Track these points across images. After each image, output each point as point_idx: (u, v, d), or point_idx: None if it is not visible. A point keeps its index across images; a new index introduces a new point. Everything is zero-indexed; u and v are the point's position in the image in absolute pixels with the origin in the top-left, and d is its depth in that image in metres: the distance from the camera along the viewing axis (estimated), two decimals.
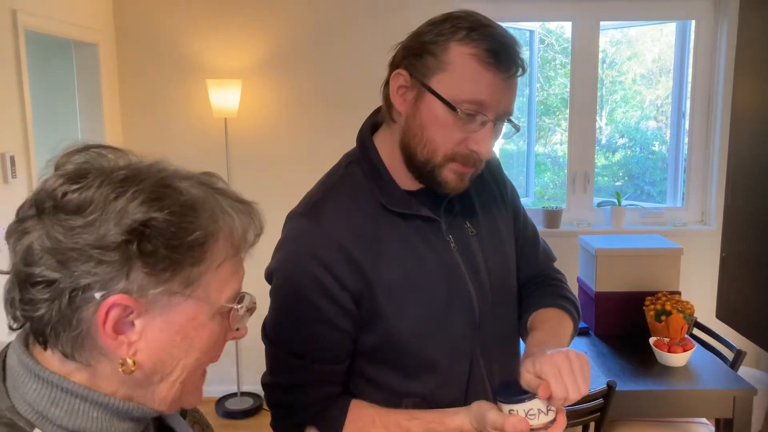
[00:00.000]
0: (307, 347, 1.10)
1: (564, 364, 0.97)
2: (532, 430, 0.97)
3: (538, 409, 0.97)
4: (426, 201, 1.14)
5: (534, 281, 1.34)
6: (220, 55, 3.64)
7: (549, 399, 0.97)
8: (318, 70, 3.66)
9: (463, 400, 1.15)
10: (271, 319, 1.14)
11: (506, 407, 0.99)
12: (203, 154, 3.69)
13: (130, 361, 0.68)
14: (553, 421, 0.98)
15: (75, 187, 0.66)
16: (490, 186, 1.25)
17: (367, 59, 3.57)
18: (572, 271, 3.59)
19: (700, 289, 3.62)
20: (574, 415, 2.18)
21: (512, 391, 1.01)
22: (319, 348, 1.10)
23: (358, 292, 1.08)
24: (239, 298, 0.75)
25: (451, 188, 1.09)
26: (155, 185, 0.68)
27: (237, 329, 0.77)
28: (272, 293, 1.13)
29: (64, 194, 0.66)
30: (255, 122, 3.71)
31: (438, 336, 1.13)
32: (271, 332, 1.14)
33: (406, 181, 1.13)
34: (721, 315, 1.22)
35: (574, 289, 3.33)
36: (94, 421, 0.69)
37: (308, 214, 1.11)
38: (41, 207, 0.66)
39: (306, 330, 1.09)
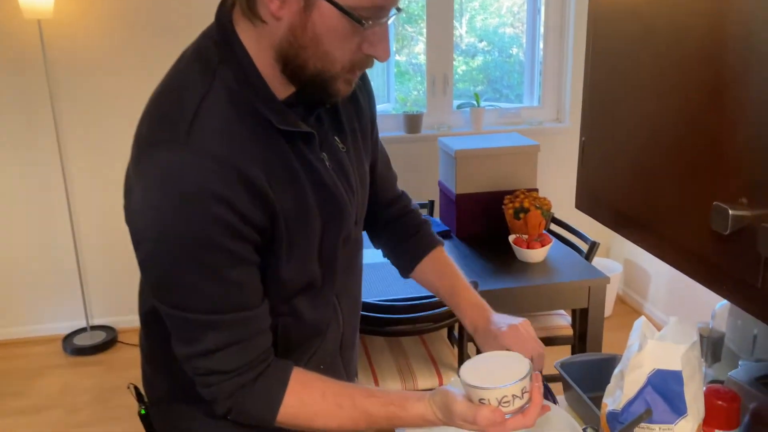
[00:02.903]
0: (228, 298, 0.90)
1: (522, 333, 1.11)
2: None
3: (513, 395, 0.88)
4: (299, 112, 0.96)
5: (394, 209, 1.31)
6: None
7: (524, 380, 0.89)
8: None
9: (326, 326, 1.08)
10: (169, 283, 0.90)
11: (476, 395, 0.89)
12: (15, 61, 3.19)
13: None
14: (529, 401, 0.90)
15: None
16: (356, 99, 1.11)
17: None
18: (433, 175, 3.56)
19: (556, 185, 3.72)
20: (437, 318, 2.16)
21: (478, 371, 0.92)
22: (242, 294, 0.92)
23: (262, 227, 0.91)
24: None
25: (340, 96, 0.94)
26: None
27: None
28: (161, 254, 0.87)
29: None
30: (78, 24, 3.23)
31: (318, 261, 1.01)
32: (175, 297, 0.90)
33: (277, 88, 0.93)
34: (580, 205, 1.14)
35: (435, 193, 3.31)
36: None
37: (185, 141, 0.85)
38: None
39: (223, 280, 0.89)
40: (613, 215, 1.08)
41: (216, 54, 0.91)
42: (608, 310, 3.64)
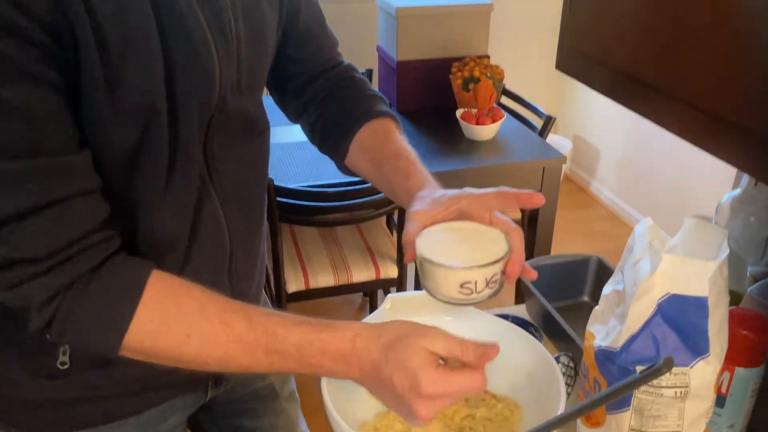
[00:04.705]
0: (8, 135, 0.57)
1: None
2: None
3: (501, 272, 0.70)
4: None
5: (330, 75, 0.95)
6: None
7: (509, 251, 0.70)
8: None
9: (188, 230, 0.74)
10: None
11: (456, 278, 0.67)
12: None
13: None
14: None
15: None
16: None
17: None
18: (371, 40, 3.16)
19: (507, 52, 3.38)
20: (378, 203, 1.91)
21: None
22: (31, 127, 0.58)
23: (55, 28, 0.57)
24: None
25: None
26: None
27: None
28: None
29: None
30: None
31: (170, 128, 0.68)
32: None
33: None
34: (564, 63, 0.84)
35: (374, 61, 2.95)
36: None
37: None
38: None
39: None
40: (611, 76, 0.78)
41: None
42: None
